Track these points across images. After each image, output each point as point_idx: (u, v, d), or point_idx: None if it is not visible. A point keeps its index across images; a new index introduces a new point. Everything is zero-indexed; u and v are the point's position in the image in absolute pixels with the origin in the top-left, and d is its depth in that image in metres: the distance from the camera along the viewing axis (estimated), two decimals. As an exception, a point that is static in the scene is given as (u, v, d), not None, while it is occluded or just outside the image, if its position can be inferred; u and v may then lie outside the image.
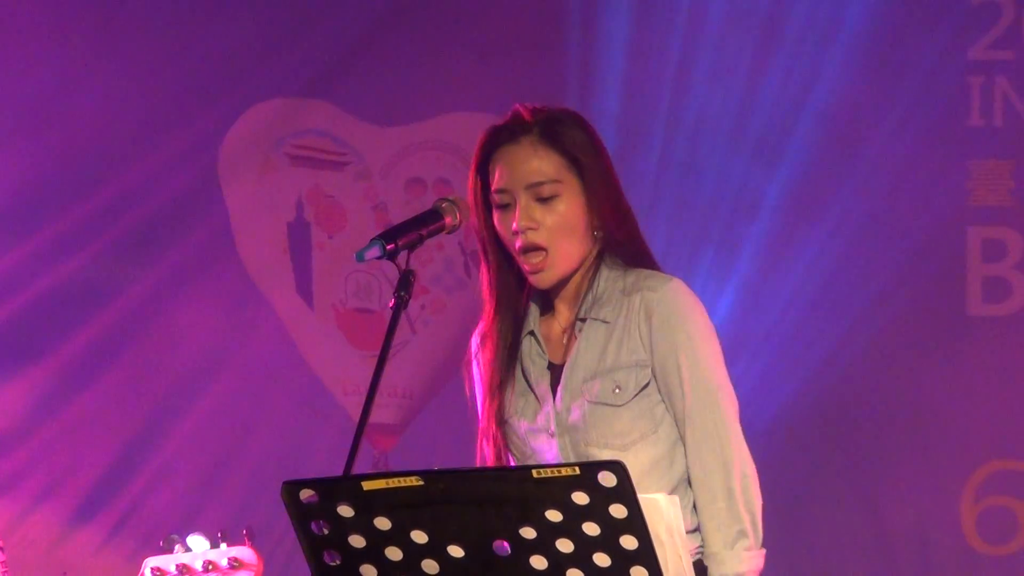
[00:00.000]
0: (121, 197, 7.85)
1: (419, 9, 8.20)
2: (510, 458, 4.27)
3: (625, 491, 3.42)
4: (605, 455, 4.11)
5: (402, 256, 4.06)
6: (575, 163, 4.24)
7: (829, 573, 8.20)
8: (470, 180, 4.28)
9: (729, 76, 8.29)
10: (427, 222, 4.15)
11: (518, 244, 4.19)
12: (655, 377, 4.20)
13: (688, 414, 4.18)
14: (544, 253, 4.20)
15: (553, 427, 4.20)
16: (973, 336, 8.41)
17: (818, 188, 8.34)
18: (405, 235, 4.08)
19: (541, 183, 4.21)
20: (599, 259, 4.25)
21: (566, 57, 8.06)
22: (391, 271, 4.06)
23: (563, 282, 4.27)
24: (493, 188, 4.23)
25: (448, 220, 4.17)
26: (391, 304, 4.04)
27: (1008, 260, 8.47)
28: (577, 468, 3.42)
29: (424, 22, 8.20)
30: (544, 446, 4.21)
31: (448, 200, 4.20)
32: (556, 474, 3.43)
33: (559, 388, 4.20)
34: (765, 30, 8.33)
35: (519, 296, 4.29)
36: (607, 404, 4.15)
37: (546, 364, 4.25)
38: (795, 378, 8.26)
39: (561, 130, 4.27)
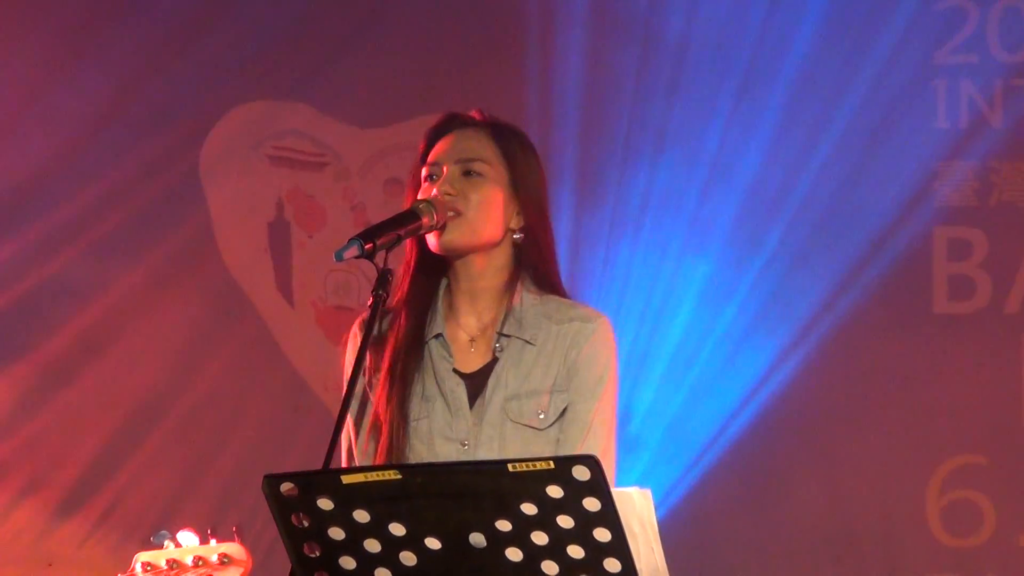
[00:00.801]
0: (105, 196, 7.86)
1: (396, 16, 8.21)
2: (403, 455, 4.25)
3: (598, 485, 3.41)
4: None
5: (380, 255, 4.07)
6: (510, 161, 4.33)
7: (798, 564, 8.23)
8: (413, 165, 4.34)
9: (688, 89, 8.30)
10: (404, 222, 4.18)
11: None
12: (568, 405, 4.27)
13: (577, 443, 4.25)
14: (458, 215, 4.21)
15: (467, 440, 4.19)
16: (939, 333, 8.45)
17: (786, 188, 8.37)
18: (383, 235, 4.10)
19: (472, 159, 4.29)
20: (517, 279, 4.25)
21: (528, 64, 8.08)
22: (370, 269, 4.09)
23: (469, 271, 4.32)
24: (426, 162, 4.31)
25: (425, 220, 4.20)
26: (369, 302, 4.06)
27: (973, 259, 8.52)
28: (552, 462, 3.40)
29: (401, 28, 8.23)
30: (452, 455, 4.23)
31: (425, 201, 4.23)
32: (531, 468, 3.42)
33: (480, 401, 4.21)
34: (724, 33, 8.33)
35: (431, 296, 4.30)
36: (530, 427, 4.20)
37: (455, 373, 4.26)
38: (762, 373, 8.31)
39: (507, 135, 4.38)
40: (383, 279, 4.07)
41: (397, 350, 4.29)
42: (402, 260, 4.31)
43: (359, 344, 4.17)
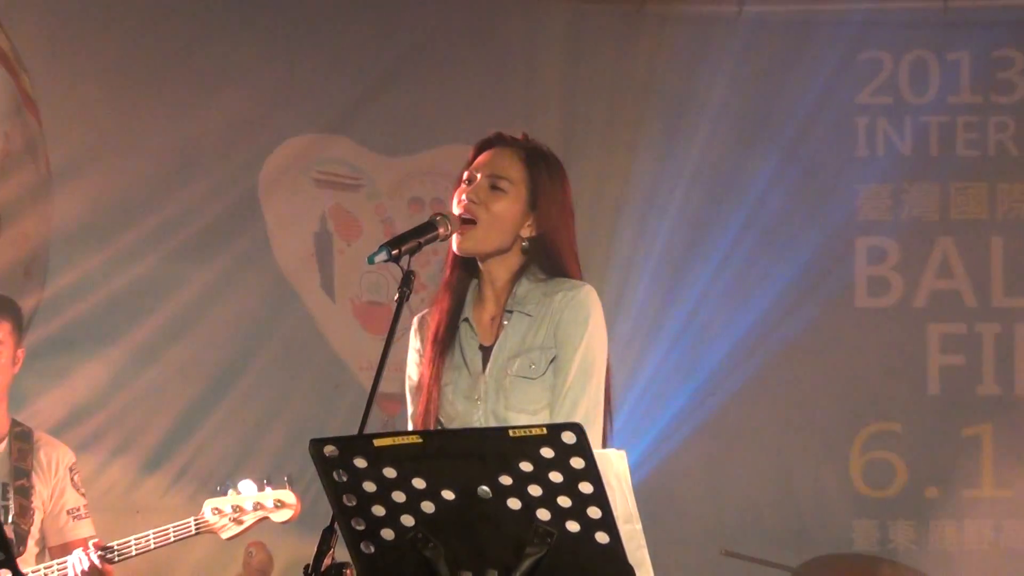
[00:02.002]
0: (180, 212, 7.93)
1: (418, 65, 8.33)
2: (436, 415, 4.29)
3: (583, 447, 3.42)
4: (522, 419, 4.18)
5: (405, 259, 4.12)
6: (533, 183, 4.34)
7: (745, 512, 8.24)
8: (463, 166, 4.39)
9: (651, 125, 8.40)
10: (424, 232, 4.21)
11: (459, 209, 4.27)
12: (555, 357, 4.28)
13: (563, 393, 4.24)
14: (473, 226, 4.25)
15: (480, 394, 4.28)
16: (860, 323, 8.66)
17: (733, 206, 8.40)
18: (407, 243, 4.15)
19: (499, 176, 4.30)
20: (522, 270, 4.33)
21: (544, 106, 8.14)
22: (396, 271, 4.12)
23: (489, 271, 4.33)
24: (466, 169, 4.36)
25: (441, 231, 4.24)
26: (396, 298, 4.11)
27: (888, 263, 8.71)
28: (545, 429, 3.42)
29: (423, 75, 8.37)
30: (470, 408, 4.25)
31: (441, 215, 4.28)
32: (528, 434, 3.44)
33: (488, 364, 4.28)
34: (689, 68, 8.38)
35: (463, 293, 4.37)
36: (525, 377, 4.25)
37: (478, 346, 4.32)
38: (711, 361, 8.36)
39: (539, 160, 4.38)
40: (407, 279, 4.12)
41: (437, 332, 4.34)
42: (430, 263, 4.35)
43: (412, 336, 4.34)
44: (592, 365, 4.25)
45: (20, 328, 5.72)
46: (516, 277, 4.35)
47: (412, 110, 8.48)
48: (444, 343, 4.32)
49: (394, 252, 4.08)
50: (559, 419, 4.18)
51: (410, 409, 4.37)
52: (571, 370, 4.24)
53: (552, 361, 4.25)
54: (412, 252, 4.12)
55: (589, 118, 8.38)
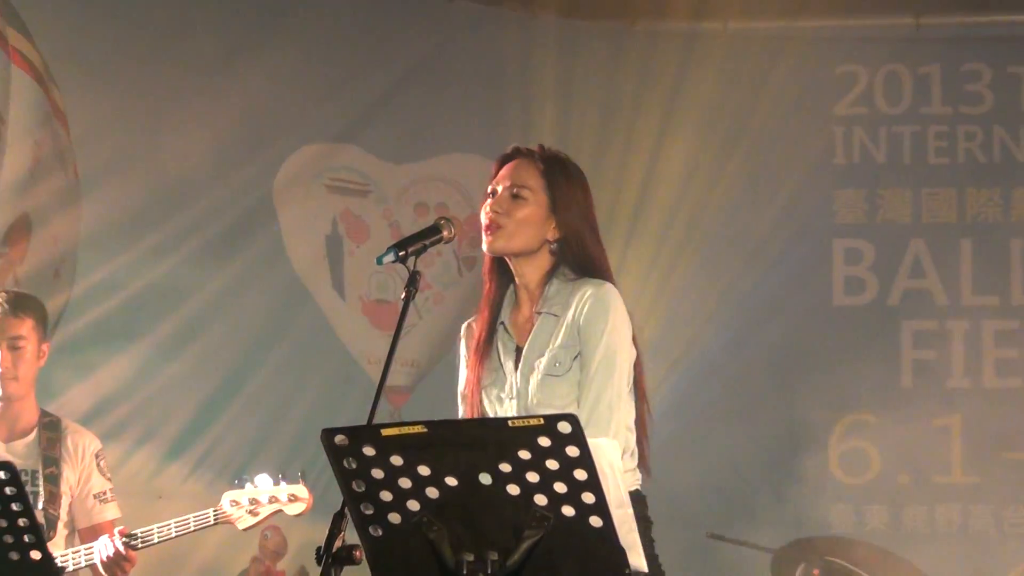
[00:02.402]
0: (200, 217, 7.92)
1: (422, 79, 8.34)
2: (483, 415, 4.38)
3: (578, 436, 3.47)
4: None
5: (411, 260, 4.17)
6: (551, 189, 4.38)
7: (729, 497, 8.25)
8: (487, 179, 4.45)
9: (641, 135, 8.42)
10: (429, 235, 4.26)
11: (485, 220, 4.33)
12: (579, 353, 4.31)
13: (588, 388, 4.27)
14: (500, 228, 4.30)
15: (514, 393, 4.32)
16: (837, 320, 8.60)
17: (717, 211, 8.41)
18: (412, 245, 4.21)
19: (520, 187, 4.35)
20: (552, 272, 4.34)
21: (540, 117, 8.15)
22: (403, 271, 4.17)
23: (522, 273, 4.38)
24: (490, 183, 4.41)
25: (445, 234, 4.29)
26: (403, 296, 4.13)
27: (863, 264, 8.71)
28: (542, 419, 3.47)
29: (427, 88, 8.38)
30: (504, 407, 4.33)
31: (445, 219, 4.32)
32: (526, 424, 3.50)
33: (520, 363, 4.34)
34: (676, 81, 8.38)
35: (500, 299, 4.39)
36: (551, 375, 4.28)
37: (514, 347, 4.39)
38: (709, 355, 8.36)
39: (555, 168, 4.43)
40: (413, 278, 4.17)
41: (479, 340, 4.41)
42: (434, 264, 4.37)
43: (460, 343, 4.44)
44: (614, 358, 4.27)
45: (44, 324, 5.73)
46: (547, 278, 4.39)
47: (417, 120, 8.49)
48: (484, 350, 4.39)
49: (401, 253, 4.15)
50: (584, 411, 4.21)
51: (460, 413, 4.44)
52: (593, 364, 4.26)
53: (576, 358, 4.29)
54: (418, 253, 4.18)
55: (582, 128, 8.36)
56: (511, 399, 4.32)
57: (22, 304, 5.64)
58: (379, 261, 4.15)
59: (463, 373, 4.44)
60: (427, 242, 4.19)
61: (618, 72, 8.51)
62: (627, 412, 4.32)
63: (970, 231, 8.65)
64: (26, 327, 5.58)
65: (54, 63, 7.40)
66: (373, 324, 8.40)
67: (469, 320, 4.46)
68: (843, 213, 8.67)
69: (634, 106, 8.43)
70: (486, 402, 4.36)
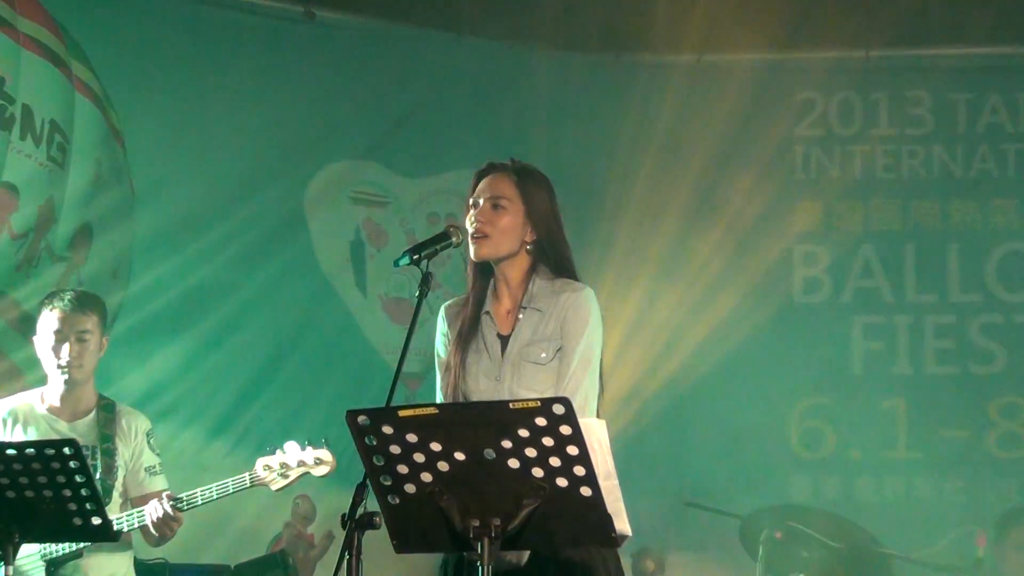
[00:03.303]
0: (240, 225, 7.92)
1: (433, 104, 8.38)
2: (463, 389, 4.32)
3: (570, 416, 3.47)
4: (532, 396, 4.13)
5: (424, 263, 4.15)
6: (525, 197, 4.36)
7: (703, 470, 8.24)
8: (468, 193, 4.43)
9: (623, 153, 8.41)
10: (440, 241, 4.25)
11: (471, 230, 4.31)
12: (561, 347, 4.30)
13: (566, 376, 4.25)
14: (486, 237, 4.28)
15: (498, 375, 4.28)
16: (798, 316, 8.57)
17: (698, 220, 8.40)
18: (426, 249, 4.19)
19: (498, 197, 4.33)
20: (532, 270, 4.33)
21: (535, 137, 8.15)
22: (417, 272, 4.15)
23: (503, 271, 4.35)
24: (471, 196, 4.39)
25: (454, 240, 4.28)
26: (417, 294, 4.12)
27: (819, 266, 8.73)
28: (539, 402, 3.46)
29: (437, 112, 8.42)
30: (490, 387, 4.27)
31: (454, 227, 4.31)
32: (525, 406, 3.49)
33: (506, 350, 4.30)
34: (656, 106, 8.36)
35: (484, 293, 4.37)
36: (534, 363, 4.26)
37: (496, 334, 4.34)
38: (689, 348, 8.35)
39: (528, 178, 4.40)
40: (426, 279, 4.16)
41: (463, 324, 4.36)
42: (445, 266, 4.36)
43: (429, 321, 4.40)
44: (591, 356, 4.27)
45: (105, 320, 5.72)
46: (527, 276, 4.36)
47: (429, 141, 8.46)
48: (469, 333, 4.33)
49: (415, 257, 4.13)
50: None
51: (439, 382, 4.39)
52: (574, 360, 4.25)
53: (558, 351, 4.27)
54: (430, 257, 4.17)
55: (573, 147, 8.37)
56: (495, 380, 4.28)
57: (87, 302, 5.64)
58: (396, 264, 4.14)
59: (442, 348, 4.39)
60: (438, 247, 4.18)
61: (603, 98, 8.50)
62: (597, 399, 4.31)
63: (913, 237, 8.65)
64: (91, 322, 5.57)
65: (112, 89, 7.38)
66: (391, 318, 8.38)
67: (448, 303, 4.43)
68: (802, 222, 8.68)
69: (617, 127, 8.42)
70: (470, 380, 4.31)
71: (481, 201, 4.32)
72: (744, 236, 8.49)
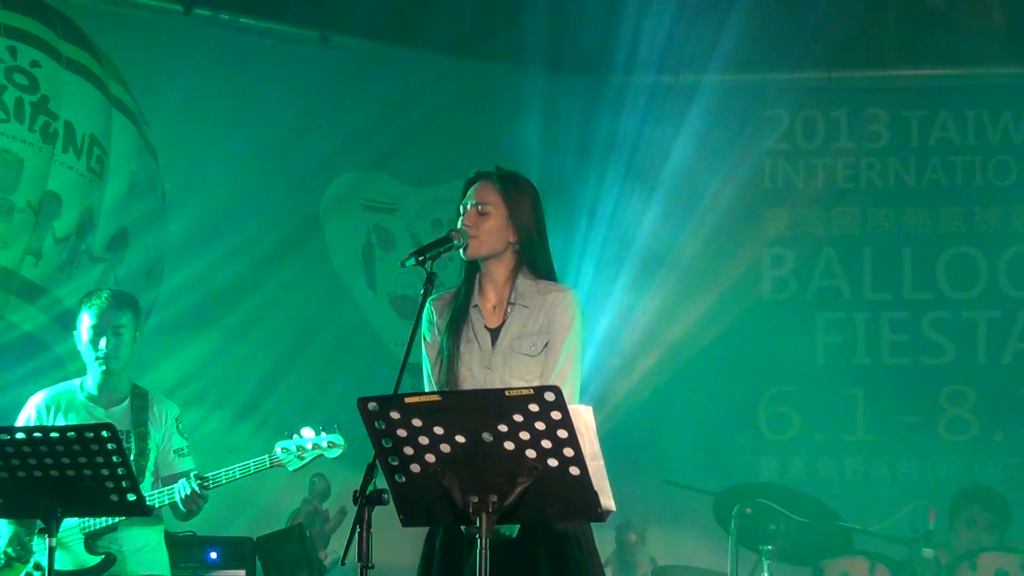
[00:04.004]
0: (263, 229, 7.91)
1: (437, 120, 8.37)
2: (454, 374, 4.33)
3: (560, 403, 3.46)
4: (521, 384, 4.17)
5: (428, 264, 4.13)
6: (509, 203, 4.36)
7: (680, 451, 8.26)
8: (459, 201, 4.44)
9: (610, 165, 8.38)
10: (442, 244, 4.25)
11: (461, 232, 4.32)
12: (548, 341, 4.31)
13: (554, 367, 4.27)
14: (474, 239, 4.29)
15: (489, 364, 4.29)
16: (767, 312, 8.58)
17: (677, 225, 8.40)
18: (429, 252, 4.18)
19: (484, 204, 4.34)
20: (517, 271, 4.34)
21: (529, 150, 8.13)
22: (422, 272, 4.15)
23: (489, 270, 4.36)
24: (461, 201, 4.39)
25: (455, 242, 4.28)
26: (422, 292, 4.13)
27: (786, 267, 8.68)
28: (532, 390, 3.46)
29: (440, 127, 8.41)
30: (481, 374, 4.28)
31: (455, 231, 4.29)
32: (519, 393, 3.48)
33: (497, 342, 4.30)
34: (640, 122, 8.36)
35: (473, 284, 4.36)
36: (524, 354, 4.27)
37: (483, 326, 4.34)
38: (668, 342, 8.37)
39: (511, 185, 4.40)
40: (430, 278, 4.16)
41: (454, 316, 4.36)
42: (447, 267, 4.36)
43: (423, 314, 4.31)
44: (575, 349, 4.28)
45: (139, 316, 5.73)
46: (512, 274, 4.36)
47: (433, 153, 8.42)
48: (459, 325, 4.33)
49: (420, 258, 4.13)
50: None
51: (428, 368, 4.38)
52: (560, 354, 4.27)
53: (546, 345, 4.28)
54: (433, 258, 4.16)
55: (563, 160, 8.37)
56: (487, 369, 4.28)
57: (123, 300, 5.64)
58: (403, 264, 4.14)
59: (428, 334, 4.38)
60: (440, 249, 4.18)
61: (592, 115, 8.50)
62: (578, 390, 4.32)
63: (870, 241, 8.64)
64: (126, 318, 5.58)
65: (145, 107, 7.37)
66: (398, 314, 8.36)
67: (434, 297, 4.39)
68: (770, 227, 8.67)
69: (605, 141, 8.42)
70: (462, 368, 4.31)
71: (469, 206, 4.33)
72: (719, 241, 8.48)
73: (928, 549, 6.60)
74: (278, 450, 5.38)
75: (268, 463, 5.37)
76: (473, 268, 4.39)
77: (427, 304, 4.40)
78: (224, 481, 5.37)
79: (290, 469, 5.39)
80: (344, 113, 8.18)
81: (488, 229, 4.30)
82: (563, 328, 4.27)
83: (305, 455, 5.37)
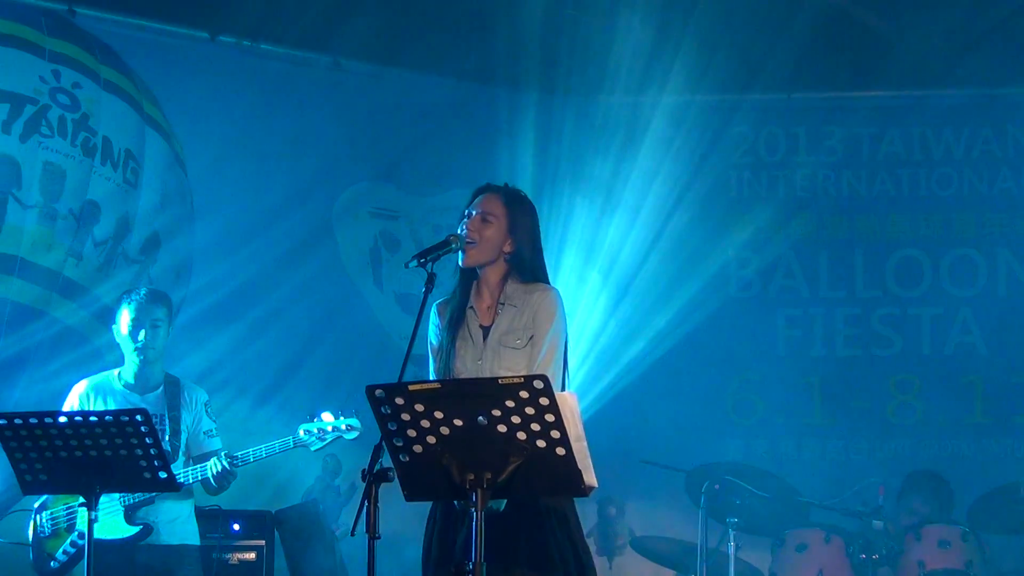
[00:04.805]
0: (281, 235, 7.90)
1: (439, 134, 8.35)
2: (451, 367, 4.35)
3: (547, 390, 3.49)
4: (509, 374, 4.12)
5: (429, 265, 4.14)
6: (510, 216, 4.37)
7: (656, 433, 8.28)
8: (465, 205, 4.44)
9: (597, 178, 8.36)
10: (441, 247, 4.27)
11: (464, 235, 4.33)
12: (532, 335, 4.33)
13: (538, 356, 4.28)
14: (474, 245, 4.30)
15: (481, 357, 4.32)
16: (733, 308, 8.57)
17: (653, 231, 8.40)
18: (430, 254, 4.19)
19: (488, 213, 4.37)
20: (507, 275, 4.36)
21: (522, 164, 8.13)
22: (423, 272, 4.16)
23: (484, 275, 4.38)
24: (467, 207, 4.41)
25: (453, 246, 4.28)
26: (424, 291, 4.12)
27: (751, 268, 8.64)
28: (522, 378, 3.49)
29: (441, 141, 8.37)
30: (474, 366, 4.32)
31: (454, 235, 4.33)
32: (511, 382, 3.51)
33: (488, 338, 4.34)
34: (625, 138, 8.36)
35: (469, 287, 4.37)
36: (511, 348, 4.28)
37: (478, 324, 4.37)
38: (641, 340, 8.35)
39: (515, 201, 4.42)
40: (430, 279, 4.16)
41: (452, 316, 4.39)
42: (446, 268, 4.38)
43: (427, 314, 4.35)
44: (557, 342, 4.29)
45: (171, 311, 5.75)
46: (503, 280, 4.38)
47: (434, 166, 8.41)
48: (457, 324, 4.38)
49: (421, 260, 4.16)
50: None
51: (432, 364, 4.43)
52: (543, 346, 4.28)
53: (531, 339, 4.30)
54: (433, 260, 4.20)
55: (556, 172, 8.37)
56: (478, 361, 4.30)
57: (158, 297, 5.67)
58: (406, 266, 4.15)
59: (434, 336, 4.41)
60: (440, 252, 4.21)
61: (581, 132, 8.50)
62: (562, 379, 4.31)
63: (826, 244, 8.65)
64: (162, 313, 5.61)
65: (176, 124, 7.38)
66: (402, 310, 8.35)
67: (439, 301, 4.43)
68: (736, 232, 8.68)
69: (592, 156, 8.43)
70: (457, 362, 4.33)
71: (474, 212, 4.35)
72: (691, 246, 8.46)
73: (878, 521, 6.64)
74: (301, 432, 5.40)
75: (292, 444, 5.39)
76: (468, 276, 4.41)
77: (433, 308, 4.44)
78: (252, 460, 5.39)
79: (312, 449, 5.41)
80: (353, 130, 8.20)
81: (488, 236, 4.32)
82: (545, 322, 4.28)
83: (326, 437, 5.38)
